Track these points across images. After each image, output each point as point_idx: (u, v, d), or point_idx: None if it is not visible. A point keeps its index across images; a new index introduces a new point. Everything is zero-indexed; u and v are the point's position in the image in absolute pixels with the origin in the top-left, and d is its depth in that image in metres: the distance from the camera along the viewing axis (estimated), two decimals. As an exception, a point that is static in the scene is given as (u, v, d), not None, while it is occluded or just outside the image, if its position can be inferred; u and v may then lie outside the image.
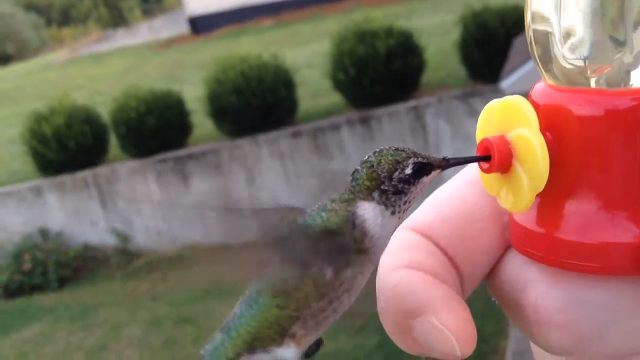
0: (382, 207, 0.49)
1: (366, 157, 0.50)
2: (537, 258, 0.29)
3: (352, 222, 0.47)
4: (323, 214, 0.49)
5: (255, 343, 0.53)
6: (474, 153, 0.32)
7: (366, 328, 5.31)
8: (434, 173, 0.50)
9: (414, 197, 0.48)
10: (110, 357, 5.88)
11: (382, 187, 0.48)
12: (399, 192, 0.48)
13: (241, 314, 0.54)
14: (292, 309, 0.48)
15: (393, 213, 0.49)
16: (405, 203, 0.48)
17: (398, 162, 0.49)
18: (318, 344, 0.52)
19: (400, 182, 0.48)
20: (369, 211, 0.48)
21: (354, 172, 0.48)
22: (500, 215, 0.32)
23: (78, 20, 33.69)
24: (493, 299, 0.33)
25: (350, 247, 0.46)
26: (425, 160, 0.48)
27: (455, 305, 0.28)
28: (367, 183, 0.48)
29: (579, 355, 0.29)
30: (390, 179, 0.49)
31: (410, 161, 0.48)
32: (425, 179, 0.49)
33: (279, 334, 0.50)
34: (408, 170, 0.49)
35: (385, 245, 0.45)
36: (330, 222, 0.47)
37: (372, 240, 0.49)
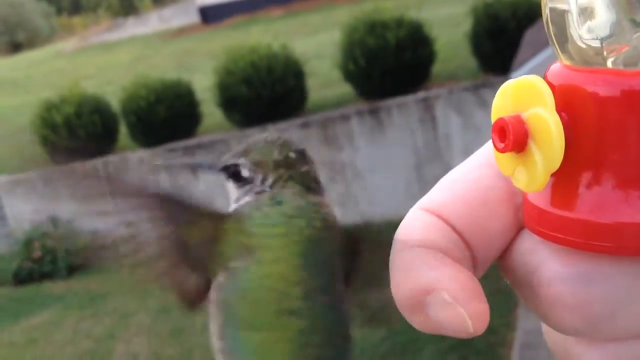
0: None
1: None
2: (551, 238, 0.29)
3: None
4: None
5: None
6: (484, 144, 0.32)
7: (374, 319, 5.31)
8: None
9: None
10: (118, 345, 5.91)
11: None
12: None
13: None
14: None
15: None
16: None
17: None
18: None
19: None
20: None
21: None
22: (514, 196, 0.32)
23: (88, 8, 33.75)
24: (504, 283, 0.33)
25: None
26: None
27: (468, 282, 0.28)
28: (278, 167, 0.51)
29: (590, 336, 0.29)
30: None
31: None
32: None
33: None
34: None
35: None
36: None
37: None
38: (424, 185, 6.96)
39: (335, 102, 7.83)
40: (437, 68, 7.66)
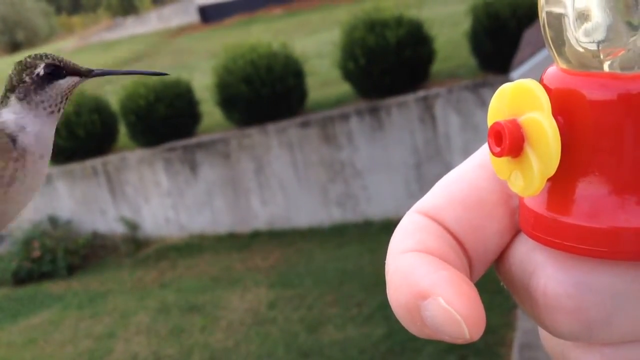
0: (19, 105, 0.51)
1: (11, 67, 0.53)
2: (547, 242, 0.29)
3: None
4: None
5: None
6: (484, 143, 0.32)
7: (374, 318, 5.32)
8: (72, 79, 0.52)
9: (51, 100, 0.50)
10: (118, 345, 5.91)
11: (17, 88, 0.51)
12: (32, 92, 0.51)
13: None
14: None
15: (33, 110, 0.51)
16: (45, 104, 0.50)
17: (31, 65, 0.52)
18: None
19: (33, 82, 0.50)
20: (10, 115, 0.51)
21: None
22: (510, 199, 0.32)
23: (88, 8, 33.74)
24: (501, 285, 0.33)
25: None
26: (58, 64, 0.50)
27: (464, 287, 0.28)
28: (7, 87, 0.51)
29: (587, 341, 0.29)
30: (22, 80, 0.51)
31: (42, 64, 0.51)
32: (61, 82, 0.51)
33: None
34: (39, 71, 0.51)
35: (39, 143, 0.47)
36: None
37: (22, 143, 0.51)
38: (424, 184, 6.96)
39: (335, 101, 7.83)
40: (436, 67, 7.66)
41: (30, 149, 0.51)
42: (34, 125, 0.52)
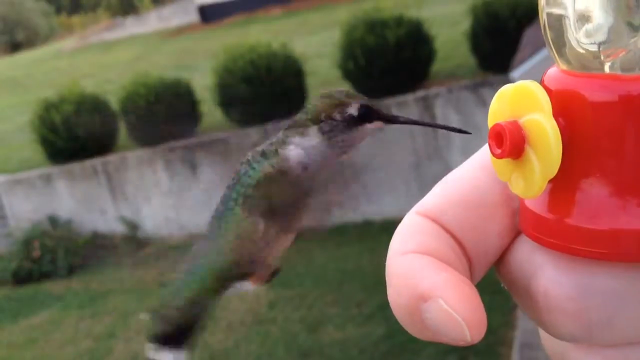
0: (318, 138, 0.50)
1: (314, 98, 0.51)
2: (548, 244, 0.29)
3: (283, 171, 0.49)
4: (255, 164, 0.50)
5: (213, 285, 0.55)
6: (484, 143, 0.32)
7: (374, 318, 5.32)
8: (377, 124, 0.51)
9: (353, 142, 0.48)
10: (118, 345, 5.91)
11: (322, 122, 0.49)
12: (338, 130, 0.49)
13: (199, 264, 0.56)
14: (243, 253, 0.50)
15: (330, 146, 0.49)
16: (343, 142, 0.49)
17: (344, 104, 0.50)
18: (275, 272, 0.55)
19: (343, 120, 0.49)
20: (299, 150, 0.50)
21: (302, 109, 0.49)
22: (511, 201, 0.32)
23: (88, 7, 33.72)
24: (502, 286, 0.33)
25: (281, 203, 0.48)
26: (371, 105, 0.49)
27: (465, 289, 0.28)
28: (308, 117, 0.49)
29: (588, 342, 0.29)
30: (332, 116, 0.49)
31: (357, 103, 0.49)
32: (369, 126, 0.50)
33: (232, 277, 0.52)
34: (352, 111, 0.50)
35: (319, 173, 0.46)
36: (260, 170, 0.49)
37: (301, 176, 0.50)
38: (423, 183, 6.95)
39: (335, 101, 7.82)
40: (436, 67, 7.66)
41: (310, 189, 0.50)
42: (317, 165, 0.51)
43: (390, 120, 0.48)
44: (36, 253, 7.61)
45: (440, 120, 7.01)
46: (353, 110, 0.49)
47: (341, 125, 0.49)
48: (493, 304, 4.53)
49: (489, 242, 0.32)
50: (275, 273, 0.54)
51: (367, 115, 0.49)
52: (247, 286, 0.54)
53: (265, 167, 0.51)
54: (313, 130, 0.49)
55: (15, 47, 26.92)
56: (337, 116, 0.49)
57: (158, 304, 0.53)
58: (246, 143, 7.71)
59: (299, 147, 0.51)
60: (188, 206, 7.87)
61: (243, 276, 0.53)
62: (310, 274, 6.41)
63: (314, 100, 0.50)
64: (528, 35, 5.87)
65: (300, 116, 0.50)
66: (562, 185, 0.29)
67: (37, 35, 28.39)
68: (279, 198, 0.50)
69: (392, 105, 7.16)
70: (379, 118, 0.50)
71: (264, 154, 0.52)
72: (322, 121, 0.50)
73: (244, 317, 5.80)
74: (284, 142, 0.51)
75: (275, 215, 0.51)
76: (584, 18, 0.28)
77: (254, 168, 0.51)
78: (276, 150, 0.51)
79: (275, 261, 0.53)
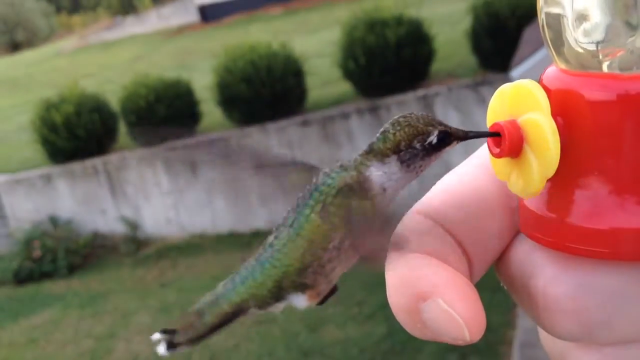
0: (397, 167, 0.50)
1: (390, 123, 0.51)
2: (547, 243, 0.29)
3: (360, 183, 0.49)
4: (334, 174, 0.50)
5: (264, 295, 0.55)
6: (483, 142, 0.32)
7: (375, 317, 5.32)
8: (454, 144, 0.51)
9: (428, 165, 0.49)
10: (119, 344, 5.91)
11: (401, 152, 0.49)
12: (417, 158, 0.50)
13: (250, 270, 0.56)
14: (302, 261, 0.50)
15: (408, 172, 0.50)
16: (421, 168, 0.50)
17: (424, 132, 0.50)
18: (332, 291, 0.54)
19: (423, 149, 0.49)
20: (379, 172, 0.50)
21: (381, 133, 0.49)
22: (510, 200, 0.32)
23: (88, 7, 33.71)
24: (502, 284, 0.33)
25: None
26: (449, 130, 0.49)
27: (464, 288, 0.28)
28: (387, 145, 0.49)
29: (587, 341, 0.29)
30: (412, 145, 0.50)
31: (436, 130, 0.49)
32: (446, 149, 0.50)
33: (290, 286, 0.52)
34: (433, 139, 0.50)
35: (394, 200, 0.46)
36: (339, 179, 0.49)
37: (380, 197, 0.50)
38: (423, 183, 6.92)
39: (335, 100, 7.82)
40: (436, 66, 7.65)
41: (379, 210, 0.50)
42: (395, 191, 0.51)
43: (462, 137, 0.48)
44: (37, 253, 7.61)
45: (440, 119, 7.00)
46: (433, 138, 0.49)
47: (421, 154, 0.49)
48: (493, 303, 4.53)
49: (488, 241, 0.32)
50: (332, 292, 0.54)
51: (445, 140, 0.49)
52: (302, 301, 0.54)
53: (347, 177, 0.52)
54: (393, 158, 0.50)
55: (15, 47, 26.92)
56: (418, 145, 0.49)
57: (194, 310, 0.53)
58: (246, 142, 7.70)
59: (379, 170, 0.51)
60: (188, 206, 7.86)
61: (302, 287, 0.53)
62: (311, 274, 6.40)
63: (392, 127, 0.50)
64: (528, 34, 5.87)
65: (378, 144, 0.50)
66: (561, 184, 0.29)
67: (37, 35, 28.37)
68: (358, 211, 0.50)
69: (392, 104, 7.16)
70: (455, 138, 0.49)
71: (342, 168, 0.52)
72: (401, 150, 0.50)
73: (245, 316, 5.80)
74: (362, 164, 0.52)
75: (351, 229, 0.51)
76: (582, 17, 0.28)
77: (333, 178, 0.52)
78: (355, 167, 0.52)
79: (337, 279, 0.53)
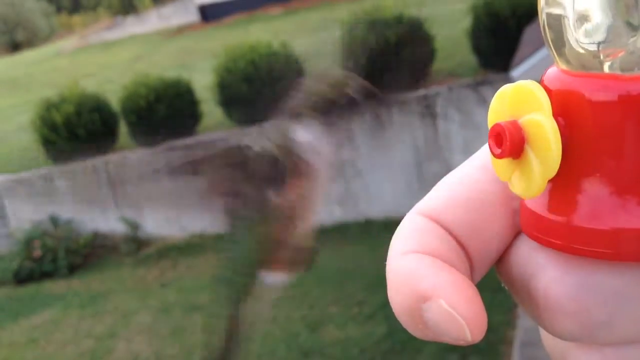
0: (321, 129, 0.50)
1: (310, 80, 0.51)
2: (548, 244, 0.29)
3: (288, 148, 0.49)
4: (262, 141, 0.51)
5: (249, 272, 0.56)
6: (484, 142, 0.32)
7: (375, 317, 5.32)
8: (376, 102, 0.51)
9: (352, 124, 0.49)
10: (119, 344, 5.92)
11: (321, 110, 0.49)
12: (338, 118, 0.50)
13: (232, 257, 0.57)
14: (264, 240, 0.51)
15: (332, 130, 0.50)
16: (347, 126, 0.49)
17: (340, 84, 0.50)
18: (310, 255, 0.55)
19: (343, 106, 0.49)
20: (306, 135, 0.50)
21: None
22: (511, 201, 0.32)
23: (88, 7, 33.70)
24: (503, 285, 0.33)
25: (284, 172, 0.48)
26: (368, 87, 0.49)
27: (466, 289, 0.28)
28: (307, 105, 0.49)
29: (588, 342, 0.29)
30: (330, 100, 0.50)
31: (352, 89, 0.49)
32: (369, 107, 0.50)
33: (263, 264, 0.53)
34: (352, 96, 0.50)
35: (326, 164, 0.46)
36: (265, 148, 0.49)
37: (310, 162, 0.50)
38: (424, 183, 6.95)
39: (335, 100, 7.82)
40: (437, 65, 7.66)
41: (320, 172, 0.50)
42: (326, 151, 0.50)
43: (384, 96, 0.48)
44: (37, 253, 7.62)
45: (441, 119, 7.01)
46: (352, 91, 0.49)
47: (341, 109, 0.49)
48: (494, 303, 4.53)
49: (489, 242, 0.32)
50: (309, 257, 0.55)
51: (366, 94, 0.49)
52: (278, 277, 0.54)
53: (275, 145, 0.52)
54: (315, 118, 0.49)
55: (15, 47, 26.93)
56: (337, 99, 0.49)
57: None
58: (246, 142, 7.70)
59: (304, 131, 0.51)
60: (188, 206, 7.86)
61: (269, 263, 0.54)
62: (311, 273, 6.41)
63: (308, 82, 0.50)
64: (528, 34, 5.88)
65: (297, 102, 0.50)
66: (562, 185, 0.29)
67: (37, 35, 28.37)
68: (289, 175, 0.50)
69: (392, 104, 7.16)
70: (376, 96, 0.49)
71: (268, 137, 0.52)
72: (320, 105, 0.50)
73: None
74: (287, 128, 0.52)
75: (284, 192, 0.51)
76: (583, 18, 0.28)
77: (264, 147, 0.52)
78: (281, 133, 0.52)
79: (303, 243, 0.53)
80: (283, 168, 0.50)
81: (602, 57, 0.28)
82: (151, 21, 21.25)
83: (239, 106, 7.59)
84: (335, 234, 7.22)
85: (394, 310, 0.29)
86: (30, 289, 7.44)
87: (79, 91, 8.26)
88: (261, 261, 0.53)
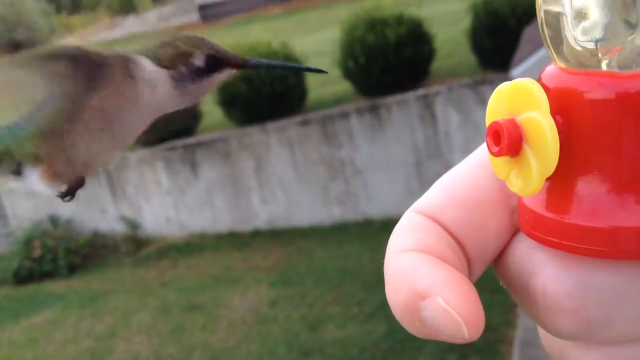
0: (166, 76, 0.49)
1: (165, 39, 0.50)
2: (546, 242, 0.29)
3: (124, 62, 0.48)
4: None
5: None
6: (484, 141, 0.32)
7: (375, 316, 5.32)
8: (228, 72, 0.50)
9: (203, 93, 0.48)
10: (119, 344, 5.92)
11: (170, 70, 0.48)
12: (186, 80, 0.49)
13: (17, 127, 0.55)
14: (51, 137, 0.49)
15: (178, 90, 0.49)
16: (195, 91, 0.48)
17: (186, 54, 0.49)
18: (78, 183, 0.54)
19: (190, 72, 0.48)
20: (149, 67, 0.49)
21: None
22: (509, 199, 0.32)
23: (88, 7, 33.68)
24: (501, 284, 0.33)
25: (109, 76, 0.47)
26: (216, 54, 0.48)
27: (463, 287, 0.28)
28: (159, 60, 0.48)
29: (587, 340, 0.29)
30: (176, 67, 0.49)
31: (200, 55, 0.48)
32: (218, 76, 0.49)
33: (23, 156, 0.51)
34: (198, 63, 0.49)
35: (157, 103, 0.45)
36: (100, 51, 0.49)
37: (141, 86, 0.49)
38: (424, 182, 6.95)
39: (335, 100, 7.82)
40: (436, 65, 7.65)
41: (144, 100, 0.48)
42: (162, 95, 0.49)
43: (241, 65, 0.47)
44: (37, 253, 7.62)
45: (440, 119, 7.01)
46: (199, 61, 0.48)
47: (188, 78, 0.48)
48: (493, 302, 4.53)
49: (487, 240, 0.32)
50: (79, 185, 0.54)
51: (214, 65, 0.48)
52: (36, 179, 0.53)
53: (115, 54, 0.52)
54: (164, 72, 0.49)
55: (15, 47, 26.92)
56: (183, 68, 0.48)
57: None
58: (246, 142, 7.72)
59: (153, 68, 0.50)
60: (188, 205, 7.87)
61: (35, 160, 0.53)
62: (311, 273, 6.42)
63: (157, 44, 0.50)
64: (528, 33, 5.87)
65: (147, 53, 0.50)
66: (560, 183, 0.29)
67: (37, 35, 28.36)
68: (111, 81, 0.50)
69: (392, 103, 7.17)
70: (228, 65, 0.48)
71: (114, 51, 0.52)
72: (168, 68, 0.50)
73: (245, 316, 5.80)
74: (141, 53, 0.51)
75: (91, 113, 0.50)
76: (581, 16, 0.28)
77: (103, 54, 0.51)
78: (134, 50, 0.52)
79: (81, 165, 0.53)
80: (109, 73, 0.49)
81: (600, 54, 0.28)
82: (151, 21, 21.24)
83: (239, 106, 7.59)
84: (334, 233, 7.22)
85: (392, 308, 0.29)
86: (30, 288, 7.44)
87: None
88: (34, 155, 0.51)
